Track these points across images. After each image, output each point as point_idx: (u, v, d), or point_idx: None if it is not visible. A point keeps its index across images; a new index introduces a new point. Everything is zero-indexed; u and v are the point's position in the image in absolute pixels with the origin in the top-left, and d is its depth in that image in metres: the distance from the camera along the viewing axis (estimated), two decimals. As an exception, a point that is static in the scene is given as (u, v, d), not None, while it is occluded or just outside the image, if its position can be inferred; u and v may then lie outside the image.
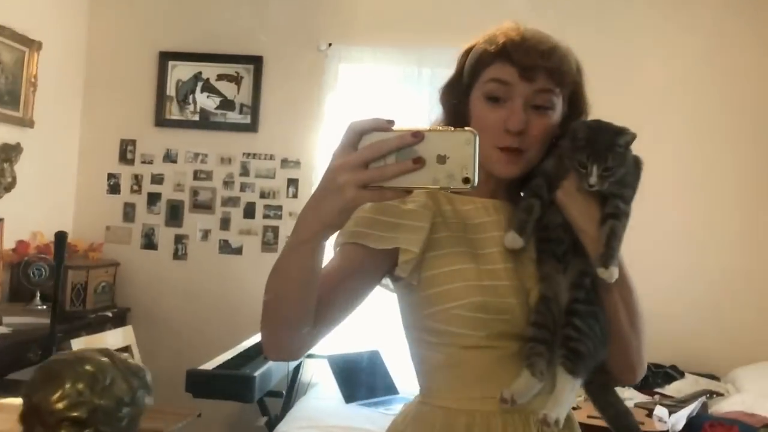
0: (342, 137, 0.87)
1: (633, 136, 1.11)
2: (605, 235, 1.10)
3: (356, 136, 0.86)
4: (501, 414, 1.12)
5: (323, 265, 0.98)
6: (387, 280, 1.19)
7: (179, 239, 4.10)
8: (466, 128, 0.84)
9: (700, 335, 3.73)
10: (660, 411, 2.84)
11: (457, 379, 1.16)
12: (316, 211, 0.89)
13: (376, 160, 0.84)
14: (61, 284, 2.90)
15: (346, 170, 0.84)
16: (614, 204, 1.12)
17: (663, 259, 3.68)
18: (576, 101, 1.21)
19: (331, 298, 1.03)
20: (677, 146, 3.82)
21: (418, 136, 0.83)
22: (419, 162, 0.82)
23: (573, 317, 1.12)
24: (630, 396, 3.18)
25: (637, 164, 1.16)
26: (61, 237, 2.80)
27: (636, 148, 1.14)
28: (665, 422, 2.76)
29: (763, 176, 3.82)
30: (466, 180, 0.82)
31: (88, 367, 1.37)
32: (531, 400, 1.12)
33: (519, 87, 1.13)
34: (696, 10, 3.84)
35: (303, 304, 0.97)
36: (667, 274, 3.69)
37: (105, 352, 1.44)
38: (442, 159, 0.83)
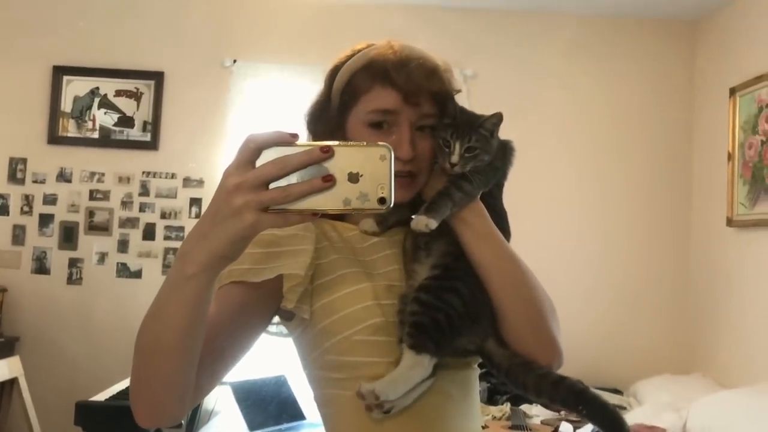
0: (238, 152, 0.75)
1: (499, 117, 1.08)
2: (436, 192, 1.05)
3: (255, 151, 0.74)
4: None
5: None
6: (279, 327, 1.09)
7: (73, 263, 3.87)
8: (380, 143, 0.76)
9: (604, 351, 3.82)
10: (565, 427, 2.86)
11: (370, 419, 1.02)
12: (205, 239, 0.75)
13: (279, 179, 0.73)
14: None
15: (244, 190, 0.72)
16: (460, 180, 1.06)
17: (566, 279, 3.76)
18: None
19: (213, 347, 0.91)
20: (577, 169, 3.95)
21: (327, 151, 0.73)
22: (329, 180, 0.73)
23: (419, 293, 1.03)
24: (537, 413, 3.20)
25: (504, 149, 1.12)
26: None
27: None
28: (570, 438, 2.79)
29: (656, 199, 3.99)
30: (382, 200, 0.74)
31: None
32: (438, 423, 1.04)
33: (404, 112, 1.06)
34: (590, 49, 4.04)
35: (186, 354, 0.82)
36: (570, 293, 3.77)
37: None
38: (354, 177, 0.74)
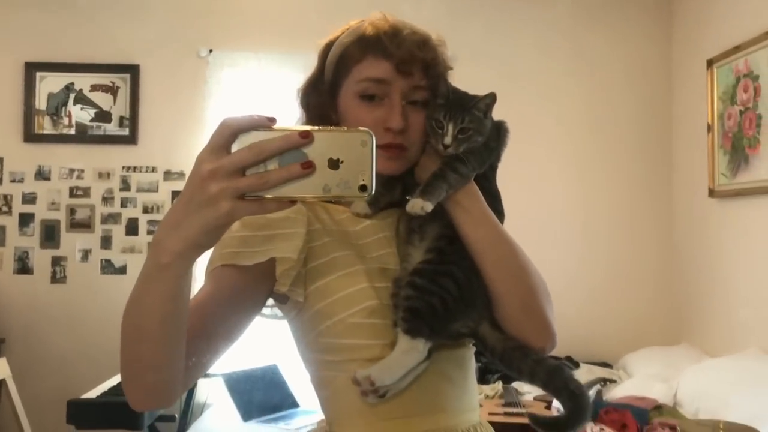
0: (212, 137, 0.72)
1: (492, 97, 1.07)
2: (431, 174, 1.04)
3: (230, 135, 0.71)
4: None
5: (194, 294, 0.84)
6: (274, 310, 1.08)
7: (57, 261, 3.83)
8: (361, 128, 0.74)
9: (592, 326, 3.85)
10: (558, 403, 2.88)
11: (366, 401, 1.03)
12: (178, 227, 0.73)
13: (255, 165, 0.71)
14: None
15: (220, 177, 0.70)
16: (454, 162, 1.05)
17: (550, 255, 3.78)
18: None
19: (205, 330, 0.90)
20: (557, 145, 3.96)
21: (306, 136, 0.71)
22: (309, 167, 0.71)
23: (413, 277, 1.03)
24: (529, 389, 3.22)
25: (499, 130, 1.11)
26: None
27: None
28: (563, 413, 2.80)
29: (638, 172, 4.02)
30: (363, 187, 0.72)
31: None
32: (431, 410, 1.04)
33: (396, 83, 1.06)
34: (567, 25, 4.02)
35: (169, 341, 0.81)
36: (555, 269, 3.78)
37: None
38: (334, 163, 0.71)
